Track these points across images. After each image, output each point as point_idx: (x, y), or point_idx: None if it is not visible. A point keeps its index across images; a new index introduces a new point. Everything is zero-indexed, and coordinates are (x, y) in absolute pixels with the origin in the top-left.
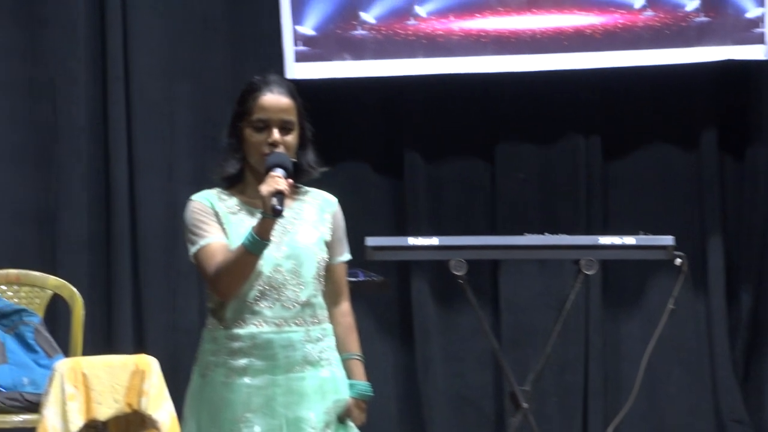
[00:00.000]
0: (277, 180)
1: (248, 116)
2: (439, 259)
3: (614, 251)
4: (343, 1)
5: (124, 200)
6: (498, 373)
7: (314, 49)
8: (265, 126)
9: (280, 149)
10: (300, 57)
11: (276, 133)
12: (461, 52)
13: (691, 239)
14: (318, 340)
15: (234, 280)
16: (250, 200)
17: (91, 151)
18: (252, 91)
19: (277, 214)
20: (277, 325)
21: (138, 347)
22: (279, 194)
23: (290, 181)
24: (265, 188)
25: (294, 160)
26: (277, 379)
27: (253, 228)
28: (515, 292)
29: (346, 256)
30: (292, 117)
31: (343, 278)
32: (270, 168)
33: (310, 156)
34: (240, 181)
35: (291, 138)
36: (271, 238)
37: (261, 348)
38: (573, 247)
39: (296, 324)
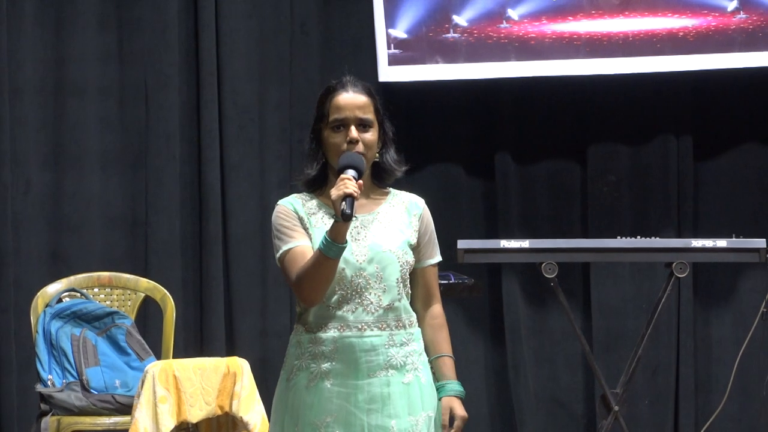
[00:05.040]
0: (347, 183)
1: (326, 118)
2: (530, 262)
3: (706, 254)
4: (436, 5)
5: (216, 203)
6: (589, 376)
7: (407, 52)
8: (342, 125)
9: (360, 147)
10: (392, 60)
11: (354, 131)
12: (553, 55)
13: None
14: (403, 344)
15: (315, 284)
16: (331, 203)
17: (182, 154)
18: (328, 93)
19: (347, 218)
20: (359, 329)
21: (229, 350)
22: (348, 197)
23: (360, 182)
24: (335, 192)
25: (376, 159)
26: (359, 384)
27: (327, 232)
28: (606, 294)
29: (436, 259)
30: (369, 115)
31: (433, 281)
32: (342, 169)
33: (392, 155)
34: (323, 185)
35: (370, 135)
36: (350, 240)
37: (343, 352)
38: (665, 249)
39: (379, 328)
